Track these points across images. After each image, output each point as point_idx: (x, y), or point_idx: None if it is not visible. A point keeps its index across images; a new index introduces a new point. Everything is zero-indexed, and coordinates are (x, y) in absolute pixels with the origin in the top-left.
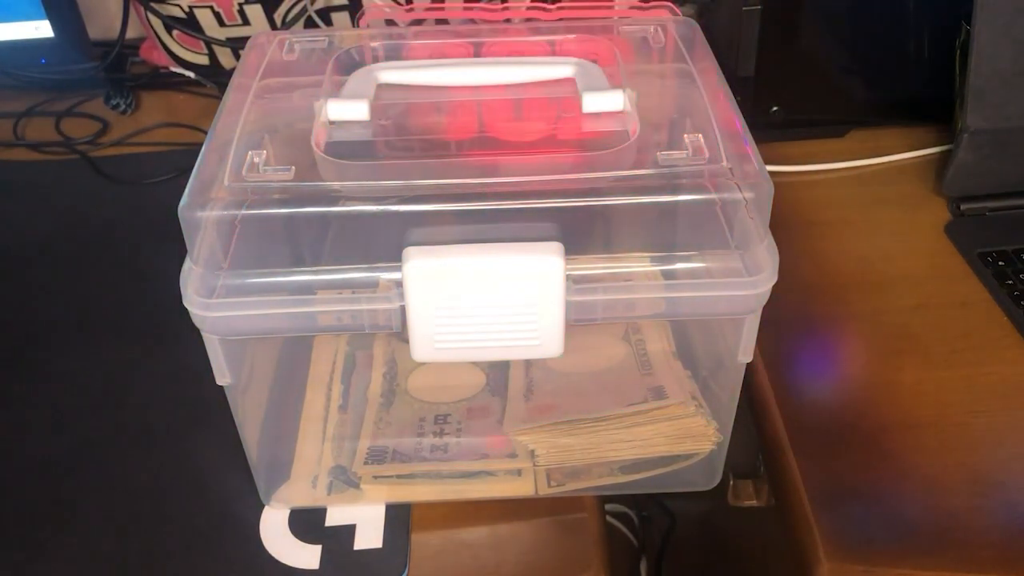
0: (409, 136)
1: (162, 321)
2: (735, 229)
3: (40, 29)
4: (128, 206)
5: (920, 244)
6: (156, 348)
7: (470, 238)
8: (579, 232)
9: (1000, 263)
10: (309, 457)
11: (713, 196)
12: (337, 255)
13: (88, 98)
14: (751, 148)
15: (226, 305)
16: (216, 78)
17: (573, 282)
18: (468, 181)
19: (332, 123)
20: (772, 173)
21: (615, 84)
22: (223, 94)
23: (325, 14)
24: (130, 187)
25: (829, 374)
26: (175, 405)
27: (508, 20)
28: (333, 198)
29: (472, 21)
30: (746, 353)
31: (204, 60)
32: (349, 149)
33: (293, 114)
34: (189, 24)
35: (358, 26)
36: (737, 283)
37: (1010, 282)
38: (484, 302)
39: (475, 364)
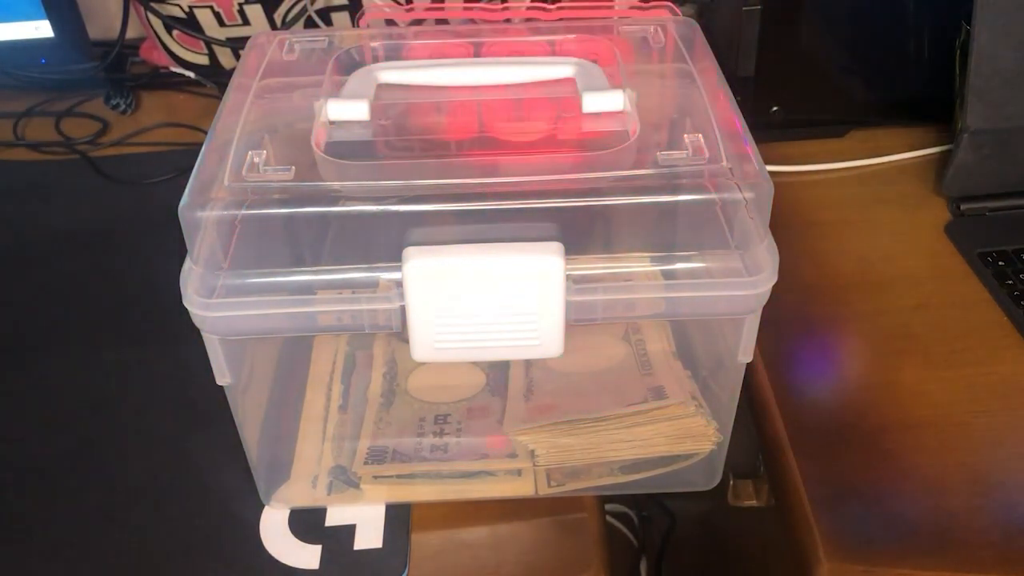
0: (409, 136)
1: (162, 321)
2: (735, 229)
3: (40, 29)
4: (128, 206)
5: (920, 244)
6: (156, 348)
7: (470, 238)
8: (579, 232)
9: (1000, 263)
10: (309, 457)
11: (713, 196)
12: (337, 255)
13: (88, 98)
14: (751, 148)
15: (226, 305)
16: (216, 78)
17: (573, 282)
18: (468, 181)
19: (332, 123)
20: (772, 173)
21: (615, 84)
22: (223, 94)
23: (325, 14)
24: (130, 187)
25: (829, 374)
26: (175, 405)
27: (508, 20)
28: (333, 198)
29: (472, 21)
30: (746, 353)
31: (204, 60)
32: (349, 149)
33: (293, 114)
34: (189, 24)
35: (358, 26)
36: (737, 283)
37: (1010, 282)
38: (484, 302)
39: (475, 364)
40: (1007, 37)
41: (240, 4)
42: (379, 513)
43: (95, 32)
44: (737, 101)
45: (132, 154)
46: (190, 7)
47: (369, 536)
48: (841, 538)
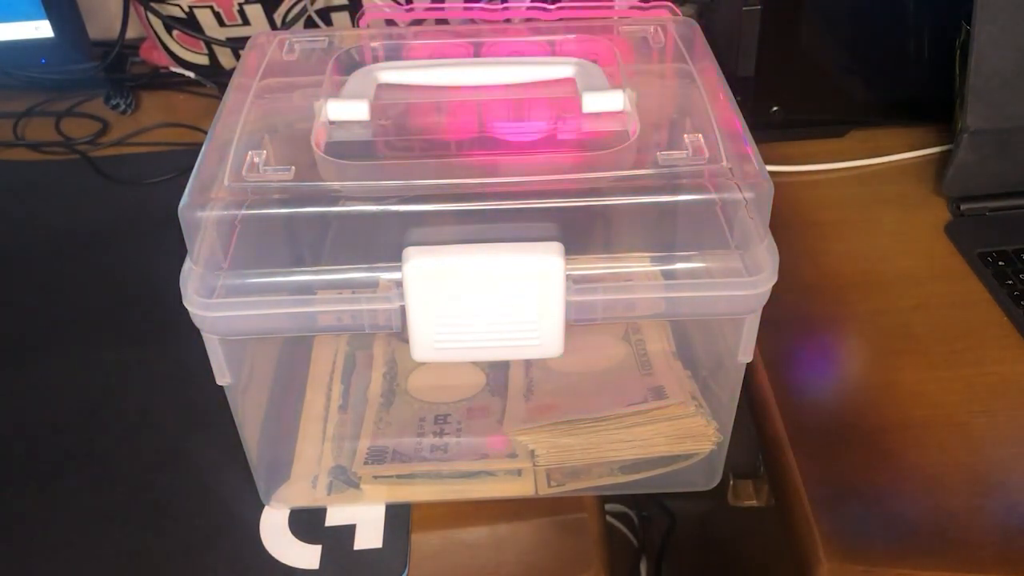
0: (409, 136)
1: (162, 321)
2: (735, 229)
3: (40, 29)
4: (128, 206)
5: (920, 244)
6: (156, 348)
7: (470, 238)
8: (579, 232)
9: (1000, 263)
10: (309, 457)
11: (713, 196)
12: (337, 255)
13: (88, 98)
14: (751, 148)
15: (226, 305)
16: (216, 78)
17: (573, 282)
18: (468, 181)
19: (332, 123)
20: (772, 173)
21: (615, 84)
22: (223, 94)
23: (325, 14)
24: (130, 187)
25: (829, 374)
26: (175, 405)
27: (508, 20)
28: (333, 198)
29: (472, 21)
30: (746, 353)
31: (204, 60)
32: (349, 149)
33: (293, 114)
34: (189, 24)
35: (358, 26)
36: (737, 283)
37: (1010, 282)
38: (484, 302)
39: (475, 364)
40: (1007, 37)
41: (240, 4)
42: (379, 513)
43: (95, 32)
44: (737, 101)
45: (132, 154)
46: (190, 7)
47: (369, 536)
48: (841, 538)
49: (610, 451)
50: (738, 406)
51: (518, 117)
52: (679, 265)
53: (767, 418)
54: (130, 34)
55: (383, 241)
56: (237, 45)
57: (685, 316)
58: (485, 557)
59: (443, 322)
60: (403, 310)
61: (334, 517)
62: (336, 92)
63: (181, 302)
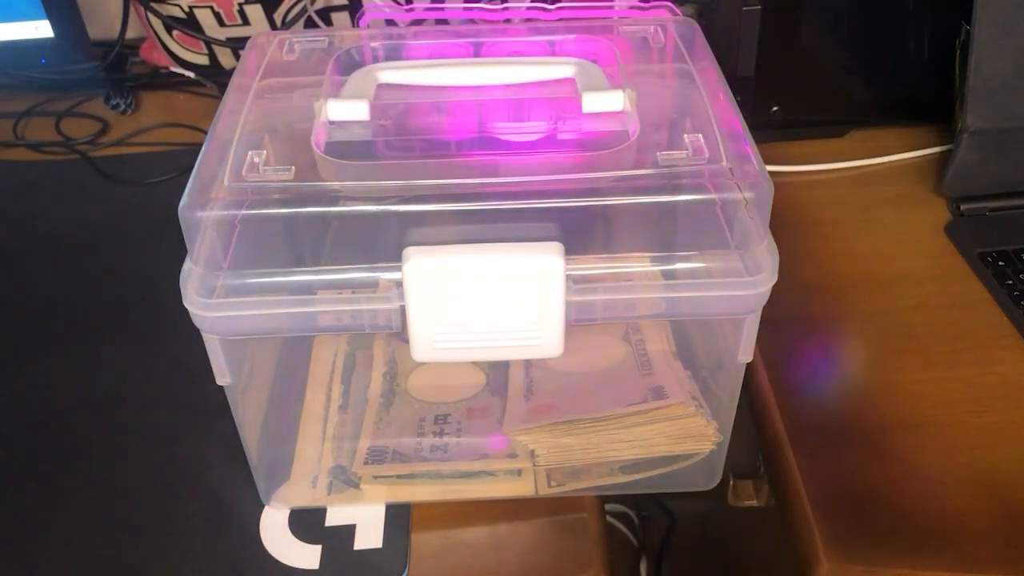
0: (409, 136)
1: (162, 321)
2: (735, 229)
3: (40, 29)
4: (128, 206)
5: (920, 244)
6: (156, 348)
7: (470, 238)
8: (579, 232)
9: (1000, 263)
10: (309, 457)
11: (713, 196)
12: (337, 255)
13: (88, 98)
14: (751, 148)
15: (226, 305)
16: (216, 78)
17: (573, 282)
18: (468, 181)
19: (332, 123)
20: (772, 173)
21: (615, 84)
22: (223, 94)
23: (325, 14)
24: (130, 187)
25: (829, 374)
26: (175, 405)
27: (508, 20)
28: (333, 198)
29: (472, 21)
30: (746, 353)
31: (204, 60)
32: (349, 149)
33: (293, 114)
34: (189, 24)
35: (358, 26)
36: (737, 283)
37: (1010, 282)
38: (484, 302)
39: (475, 364)
40: (1007, 37)
41: (240, 4)
42: (379, 513)
43: (95, 32)
44: (737, 101)
45: (132, 154)
46: (190, 7)
47: (369, 536)
48: (841, 538)
49: (610, 451)
50: (738, 406)
51: (518, 117)
52: (679, 265)
53: (767, 418)
54: (130, 34)
55: (383, 241)
56: (237, 45)
57: (685, 316)
58: (485, 557)
59: (443, 322)
60: (403, 310)
61: (334, 517)
62: (336, 92)
63: (181, 302)
